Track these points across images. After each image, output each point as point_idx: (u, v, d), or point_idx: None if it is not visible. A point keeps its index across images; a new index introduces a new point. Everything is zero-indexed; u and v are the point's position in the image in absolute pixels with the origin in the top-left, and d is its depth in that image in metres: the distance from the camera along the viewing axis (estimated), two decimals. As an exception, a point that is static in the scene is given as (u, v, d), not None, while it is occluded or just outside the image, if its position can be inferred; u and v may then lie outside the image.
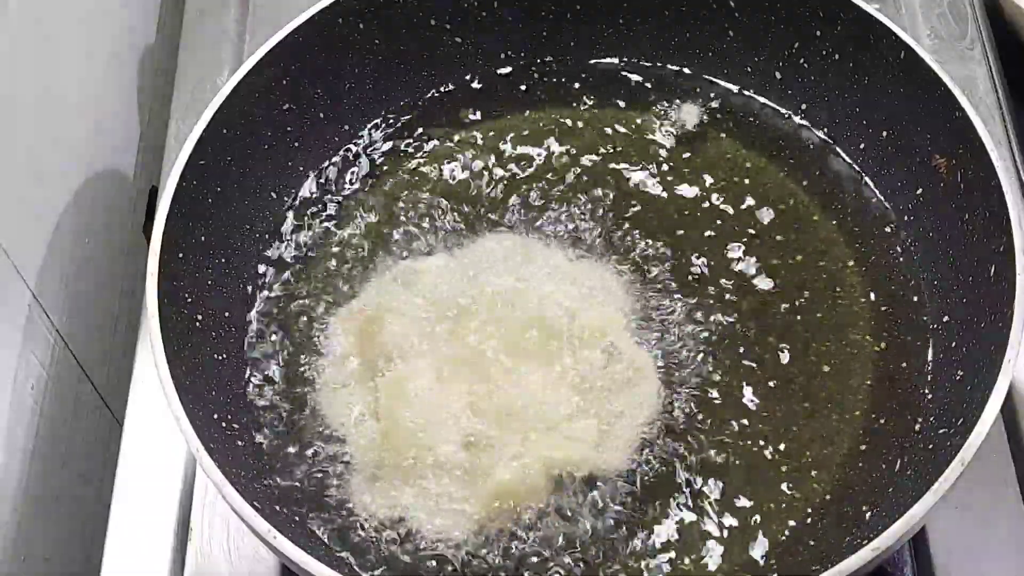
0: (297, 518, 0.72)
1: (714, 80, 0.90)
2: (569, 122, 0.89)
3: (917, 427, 0.74)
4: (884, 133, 0.83)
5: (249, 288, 0.82)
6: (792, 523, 0.72)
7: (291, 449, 0.75)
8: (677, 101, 0.89)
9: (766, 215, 0.84)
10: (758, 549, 0.71)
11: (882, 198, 0.84)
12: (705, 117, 0.89)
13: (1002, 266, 0.71)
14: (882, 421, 0.75)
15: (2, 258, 0.82)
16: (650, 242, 0.82)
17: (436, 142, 0.89)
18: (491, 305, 0.79)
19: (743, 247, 0.82)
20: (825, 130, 0.87)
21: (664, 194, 0.85)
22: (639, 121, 0.89)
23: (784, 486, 0.73)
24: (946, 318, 0.77)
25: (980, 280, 0.73)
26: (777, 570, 0.70)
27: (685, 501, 0.73)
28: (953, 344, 0.75)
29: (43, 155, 0.89)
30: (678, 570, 0.71)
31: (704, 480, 0.73)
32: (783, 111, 0.88)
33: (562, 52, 0.92)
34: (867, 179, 0.85)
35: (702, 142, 0.88)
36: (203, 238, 0.78)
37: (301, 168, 0.86)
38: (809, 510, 0.72)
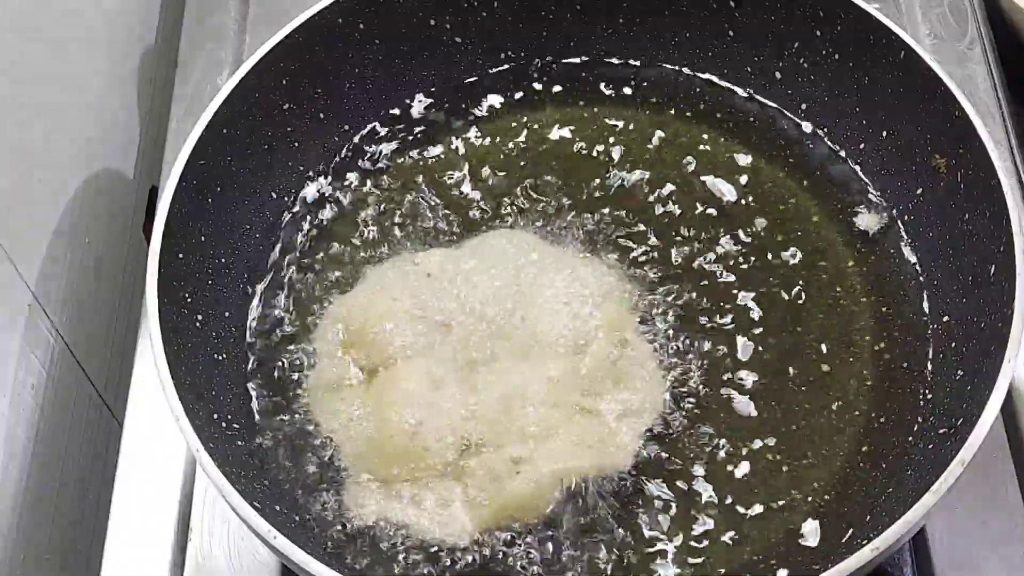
0: (297, 518, 0.72)
1: (714, 80, 0.90)
2: (569, 121, 0.89)
3: (917, 427, 0.74)
4: (884, 133, 0.83)
5: (249, 288, 0.82)
6: (792, 523, 0.72)
7: (290, 449, 0.75)
8: (679, 100, 0.90)
9: (766, 215, 0.84)
10: (759, 549, 0.71)
11: (882, 198, 0.84)
12: (707, 116, 0.89)
13: (1002, 266, 0.71)
14: (882, 421, 0.75)
15: (2, 258, 0.82)
16: (651, 240, 0.83)
17: (436, 141, 0.89)
18: (491, 304, 0.78)
19: (743, 247, 0.82)
20: (825, 130, 0.87)
21: (665, 193, 0.85)
22: (640, 120, 0.89)
23: (784, 486, 0.73)
24: (946, 318, 0.77)
25: (980, 280, 0.73)
26: (778, 570, 0.70)
27: (687, 502, 0.73)
28: (953, 344, 0.75)
29: (43, 155, 0.89)
30: (680, 571, 0.71)
31: (705, 481, 0.73)
32: (783, 111, 0.88)
33: (562, 52, 0.92)
34: (867, 179, 0.85)
35: (703, 142, 0.88)
36: (203, 238, 0.78)
37: (301, 168, 0.86)
38: (809, 510, 0.72)
